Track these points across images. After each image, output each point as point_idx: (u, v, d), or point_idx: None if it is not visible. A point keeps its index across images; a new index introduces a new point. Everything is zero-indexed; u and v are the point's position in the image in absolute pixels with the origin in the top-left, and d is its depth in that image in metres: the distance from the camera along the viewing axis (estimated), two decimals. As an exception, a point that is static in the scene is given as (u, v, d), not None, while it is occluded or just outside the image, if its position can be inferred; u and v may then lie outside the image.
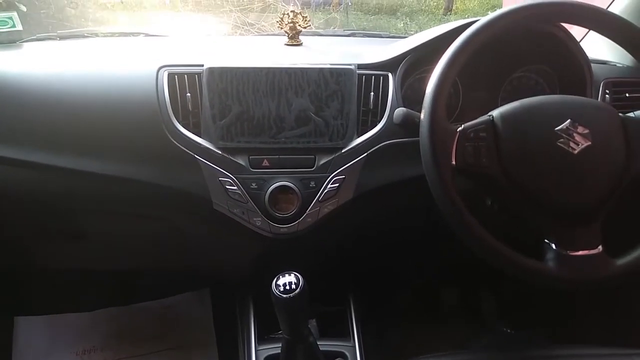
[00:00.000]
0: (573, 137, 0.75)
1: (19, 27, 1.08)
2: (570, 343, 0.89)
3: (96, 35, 1.24)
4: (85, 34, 1.23)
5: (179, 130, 0.90)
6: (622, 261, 0.75)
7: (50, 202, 1.01)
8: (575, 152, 0.75)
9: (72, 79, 0.94)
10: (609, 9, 0.98)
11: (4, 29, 1.07)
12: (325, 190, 0.91)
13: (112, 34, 1.27)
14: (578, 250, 0.74)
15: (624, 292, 1.23)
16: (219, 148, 0.91)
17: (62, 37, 1.18)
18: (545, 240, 0.76)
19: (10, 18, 1.06)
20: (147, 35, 1.24)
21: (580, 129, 0.76)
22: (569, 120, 0.76)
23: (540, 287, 0.82)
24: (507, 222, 0.85)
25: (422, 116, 0.77)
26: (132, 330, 1.46)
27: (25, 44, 1.11)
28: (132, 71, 0.95)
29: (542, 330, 1.46)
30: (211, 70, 0.91)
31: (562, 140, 0.75)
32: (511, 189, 0.76)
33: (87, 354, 1.40)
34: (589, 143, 0.75)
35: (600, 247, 0.75)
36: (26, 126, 0.93)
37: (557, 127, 0.76)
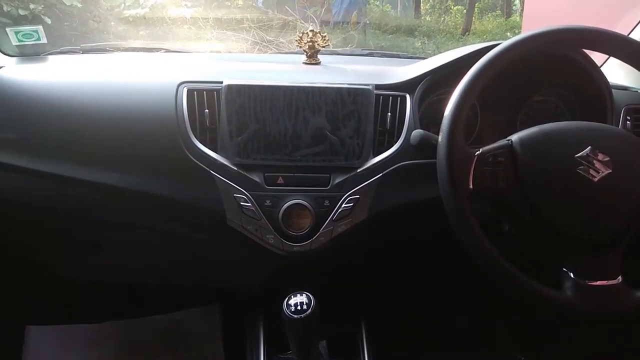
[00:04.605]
0: (593, 165, 0.74)
1: (44, 40, 1.11)
2: None
3: (118, 49, 1.26)
4: (107, 49, 1.26)
5: (196, 146, 0.91)
6: None
7: (66, 212, 1.02)
8: (596, 179, 0.74)
9: (93, 93, 0.96)
10: (629, 36, 0.97)
11: (30, 42, 1.09)
12: (340, 210, 0.91)
13: (134, 49, 1.29)
14: (597, 280, 0.73)
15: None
16: (234, 164, 0.91)
17: (84, 51, 1.21)
18: (563, 269, 0.74)
19: (36, 31, 1.09)
20: (167, 51, 1.26)
21: (600, 156, 0.75)
22: (589, 147, 0.75)
23: (557, 316, 0.80)
24: (523, 248, 0.84)
25: (439, 139, 0.76)
26: (141, 343, 1.45)
27: (49, 56, 1.13)
28: (153, 86, 0.97)
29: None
30: (230, 87, 0.92)
31: (582, 167, 0.74)
32: (529, 215, 0.75)
33: (95, 366, 1.40)
34: (610, 171, 0.74)
35: (619, 278, 0.73)
36: (46, 137, 0.94)
37: (577, 154, 0.75)
